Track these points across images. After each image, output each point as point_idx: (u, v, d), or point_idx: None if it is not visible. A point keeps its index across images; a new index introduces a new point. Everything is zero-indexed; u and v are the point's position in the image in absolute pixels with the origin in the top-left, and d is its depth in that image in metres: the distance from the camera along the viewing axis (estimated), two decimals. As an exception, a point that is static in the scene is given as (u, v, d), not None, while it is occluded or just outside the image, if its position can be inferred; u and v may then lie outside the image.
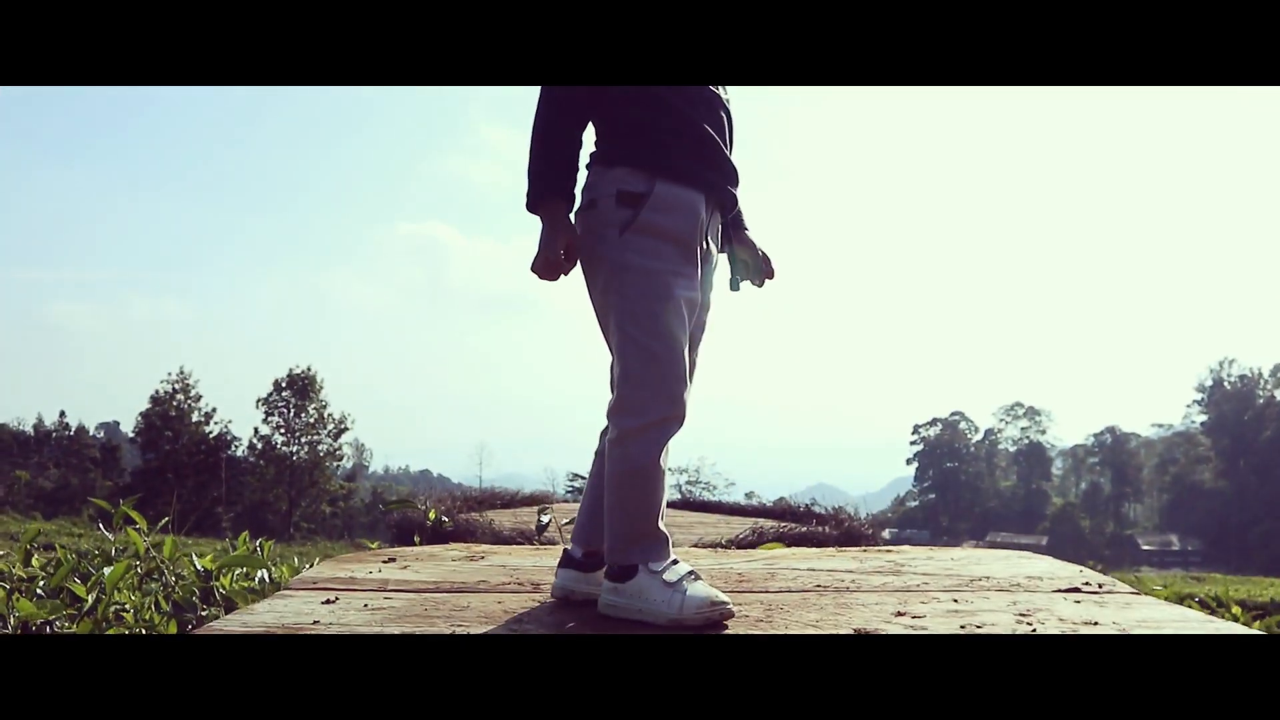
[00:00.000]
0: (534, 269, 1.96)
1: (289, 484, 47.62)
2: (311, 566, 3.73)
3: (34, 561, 3.57)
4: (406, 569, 2.34)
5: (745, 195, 2.19)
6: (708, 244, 2.08)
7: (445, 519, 4.09)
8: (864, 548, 2.96)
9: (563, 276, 1.99)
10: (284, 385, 48.61)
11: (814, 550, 2.87)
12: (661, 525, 1.95)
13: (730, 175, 2.09)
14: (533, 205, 1.97)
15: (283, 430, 48.49)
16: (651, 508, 1.93)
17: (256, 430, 48.55)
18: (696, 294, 2.01)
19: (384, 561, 2.46)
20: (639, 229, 1.95)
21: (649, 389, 1.93)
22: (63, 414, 59.27)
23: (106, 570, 3.01)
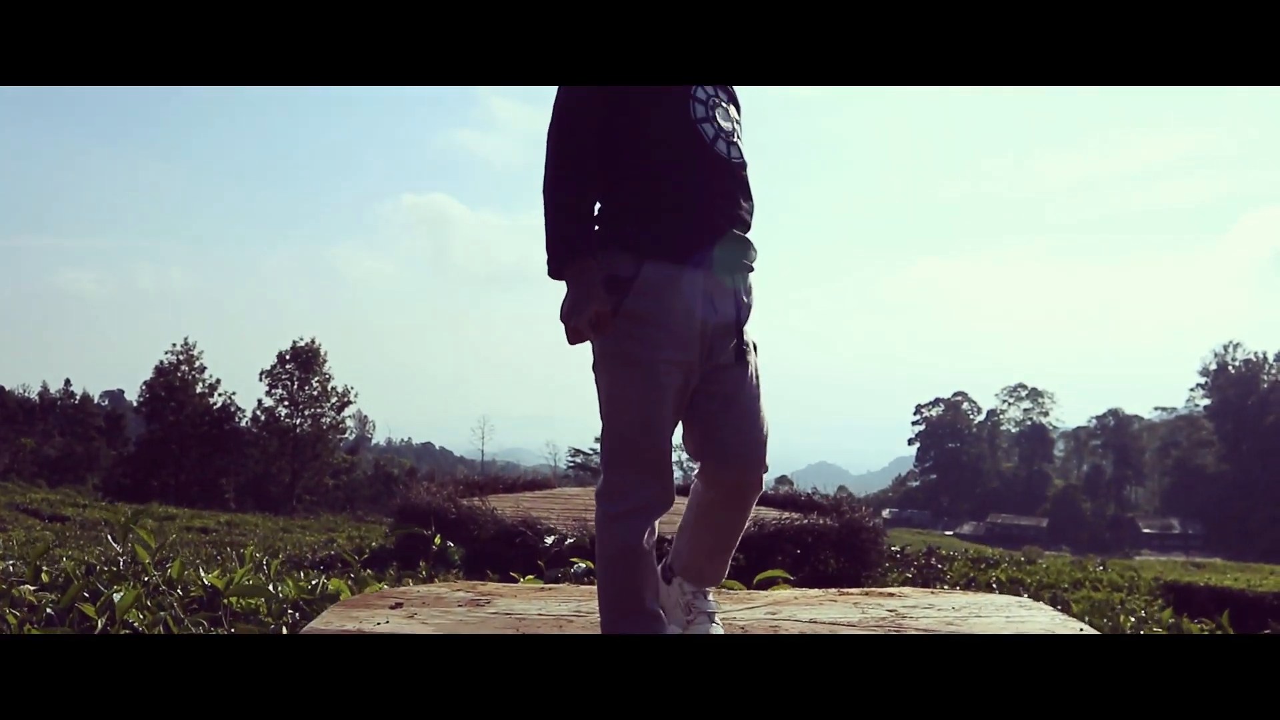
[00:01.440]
0: (569, 339, 1.93)
1: (292, 456, 47.78)
2: (317, 586, 3.77)
3: (43, 576, 3.61)
4: (413, 618, 2.37)
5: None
6: (720, 308, 2.03)
7: (451, 545, 4.14)
8: (865, 590, 2.98)
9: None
10: (288, 358, 48.65)
11: (816, 593, 2.90)
12: (650, 604, 2.00)
13: (726, 246, 2.03)
14: (559, 269, 1.93)
15: (286, 403, 48.56)
16: (638, 589, 1.99)
17: (260, 402, 48.66)
18: (685, 378, 2.00)
19: (390, 608, 2.49)
20: (625, 315, 1.93)
21: (630, 475, 1.98)
22: (68, 382, 59.53)
23: (116, 596, 3.05)
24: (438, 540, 4.34)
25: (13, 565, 4.14)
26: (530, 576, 4.24)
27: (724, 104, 2.09)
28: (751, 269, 2.14)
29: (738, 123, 2.12)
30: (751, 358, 2.13)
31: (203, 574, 3.57)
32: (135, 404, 51.46)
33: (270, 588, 3.56)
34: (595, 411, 2.04)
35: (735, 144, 2.08)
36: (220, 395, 48.50)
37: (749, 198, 2.09)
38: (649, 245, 1.96)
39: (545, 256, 1.95)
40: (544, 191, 1.96)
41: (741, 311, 2.09)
